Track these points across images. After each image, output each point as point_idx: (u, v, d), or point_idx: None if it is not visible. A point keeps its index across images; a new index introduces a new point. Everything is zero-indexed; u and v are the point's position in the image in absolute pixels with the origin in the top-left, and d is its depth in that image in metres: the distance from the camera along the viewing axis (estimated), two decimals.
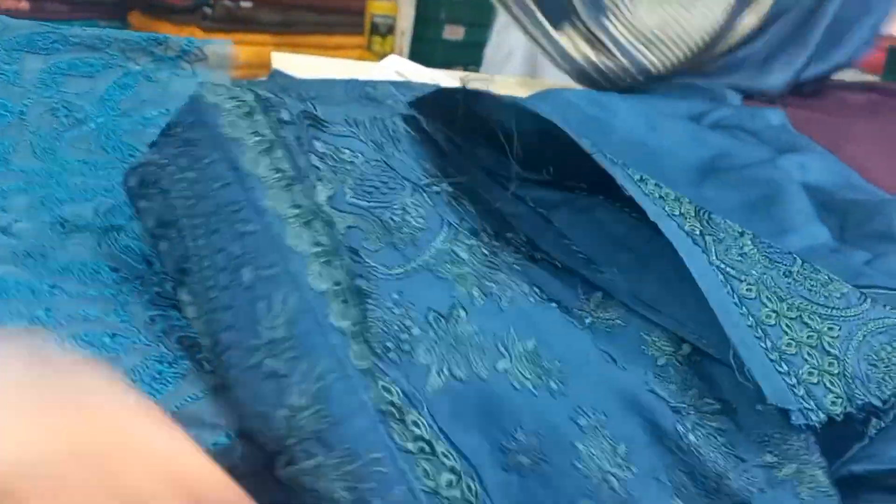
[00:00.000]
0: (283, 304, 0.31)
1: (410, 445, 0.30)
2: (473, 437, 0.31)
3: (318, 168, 0.38)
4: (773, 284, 0.36)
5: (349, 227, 0.37)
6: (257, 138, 0.34)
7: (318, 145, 0.40)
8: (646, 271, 0.40)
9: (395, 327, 0.34)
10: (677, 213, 0.39)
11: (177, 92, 0.52)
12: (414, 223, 0.39)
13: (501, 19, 1.49)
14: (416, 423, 0.31)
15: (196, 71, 0.54)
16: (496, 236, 0.44)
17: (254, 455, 0.31)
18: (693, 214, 0.39)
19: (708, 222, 0.39)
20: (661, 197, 0.40)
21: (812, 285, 0.38)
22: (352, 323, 0.32)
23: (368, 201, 0.39)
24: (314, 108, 0.41)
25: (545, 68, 1.36)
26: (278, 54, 1.08)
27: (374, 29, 1.73)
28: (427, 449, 0.30)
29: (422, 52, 1.74)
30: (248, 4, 1.51)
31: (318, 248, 0.33)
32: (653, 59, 0.79)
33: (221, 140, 0.33)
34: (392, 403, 0.31)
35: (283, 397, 0.30)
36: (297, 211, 0.33)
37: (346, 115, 0.45)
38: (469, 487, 0.30)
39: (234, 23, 1.50)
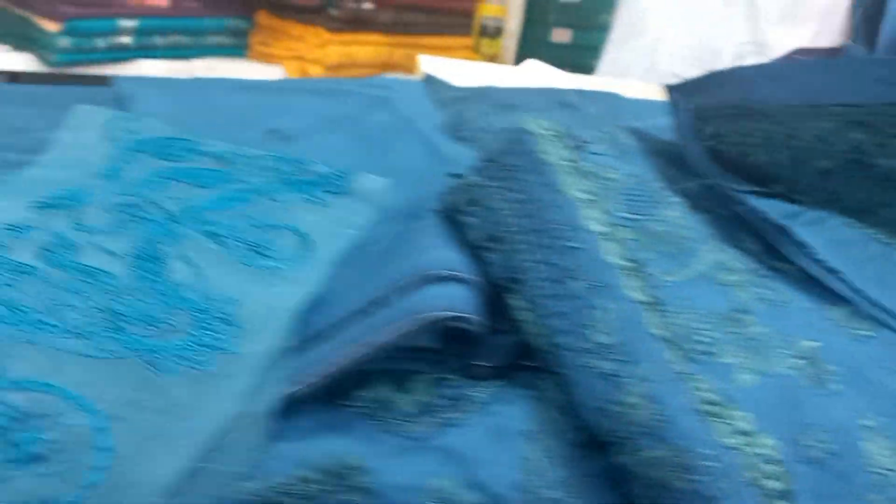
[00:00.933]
0: (608, 313, 0.35)
1: (732, 441, 0.34)
2: (778, 431, 0.35)
3: (592, 187, 0.42)
4: None
5: (629, 239, 0.41)
6: (566, 163, 0.39)
7: (588, 165, 0.44)
8: (890, 283, 0.43)
9: (692, 331, 0.37)
10: None
11: (287, 217, 0.44)
12: (681, 233, 0.43)
13: (617, 34, 1.51)
14: (736, 420, 0.35)
15: (328, 201, 0.46)
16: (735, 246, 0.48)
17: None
18: None
19: None
20: None
21: None
22: (663, 330, 0.36)
23: (638, 214, 0.43)
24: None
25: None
26: (426, 57, 1.13)
27: (483, 30, 1.76)
28: (748, 444, 0.34)
29: (528, 55, 1.77)
30: (369, 6, 1.56)
31: (625, 262, 0.37)
32: None
33: (541, 165, 0.37)
34: (711, 402, 0.35)
35: (616, 395, 0.34)
36: (603, 228, 0.38)
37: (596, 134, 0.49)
38: (784, 478, 0.34)
39: (356, 23, 1.55)
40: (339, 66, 1.58)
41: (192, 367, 0.33)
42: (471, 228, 0.39)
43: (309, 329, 0.36)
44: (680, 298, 0.39)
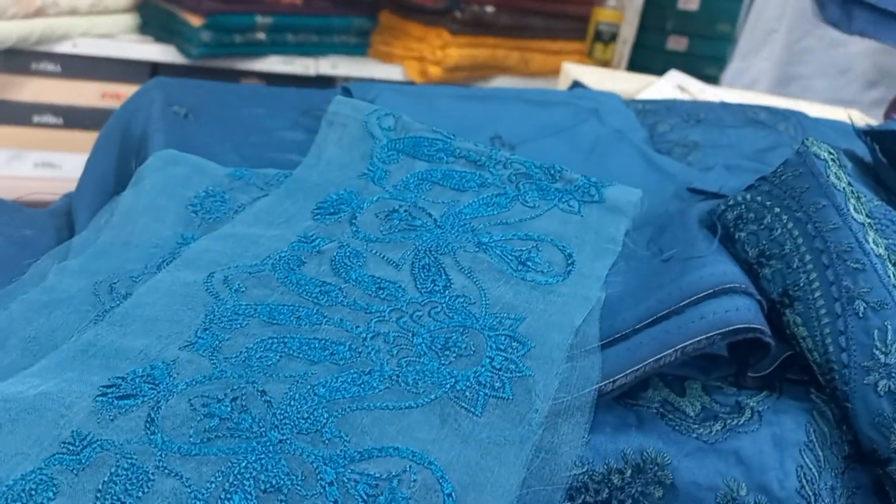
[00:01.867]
0: (895, 334, 0.37)
1: None
2: None
3: (864, 210, 0.43)
4: None
5: None
6: (849, 188, 0.40)
7: (856, 188, 0.45)
8: None
9: None
10: None
11: (545, 226, 0.46)
12: None
13: (744, 45, 1.50)
14: None
15: (582, 209, 0.48)
16: None
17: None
18: None
19: None
20: None
21: None
22: None
23: (888, 238, 0.44)
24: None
25: (800, 96, 1.37)
26: (570, 65, 1.14)
27: (598, 35, 1.77)
28: None
29: (641, 61, 1.77)
30: (491, 9, 1.59)
31: None
32: None
33: (831, 189, 0.39)
34: None
35: None
36: (883, 251, 0.39)
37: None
38: None
39: (478, 26, 1.58)
40: (456, 68, 1.61)
41: (492, 395, 0.35)
42: (740, 243, 0.41)
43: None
44: None
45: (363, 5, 1.62)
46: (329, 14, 1.56)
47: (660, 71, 1.45)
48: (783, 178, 0.41)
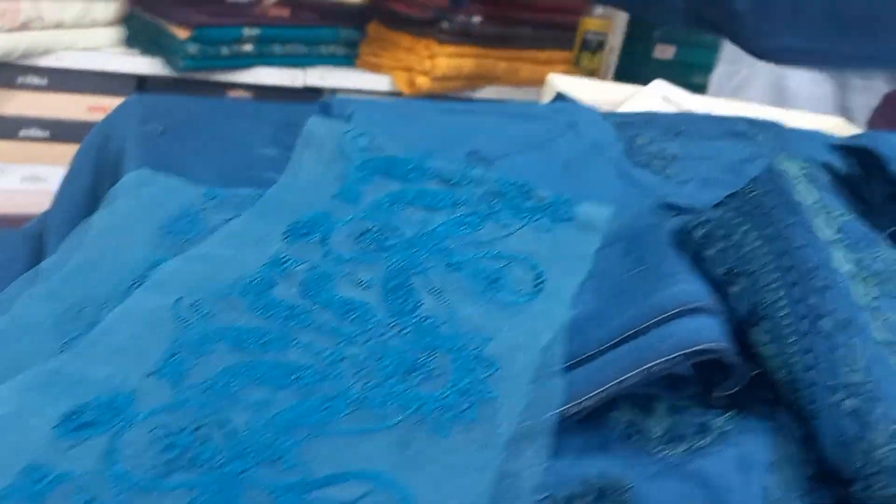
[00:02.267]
0: (858, 352, 0.37)
1: None
2: None
3: (835, 226, 0.43)
4: None
5: (867, 277, 0.42)
6: (816, 204, 0.40)
7: (826, 203, 0.45)
8: None
9: None
10: None
11: (517, 244, 0.46)
12: None
13: (731, 48, 1.50)
14: None
15: (553, 227, 0.48)
16: None
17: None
18: None
19: None
20: None
21: None
22: None
23: (861, 253, 0.44)
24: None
25: (788, 101, 1.37)
26: (556, 76, 1.15)
27: (585, 45, 1.78)
28: None
29: (629, 70, 1.78)
30: (478, 20, 1.59)
31: (875, 303, 0.39)
32: None
33: (796, 206, 0.39)
34: None
35: (864, 433, 0.36)
36: (854, 268, 0.39)
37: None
38: None
39: (465, 37, 1.59)
40: (445, 78, 1.61)
41: (457, 418, 0.35)
42: (709, 260, 0.41)
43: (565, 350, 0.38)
44: None
45: (351, 16, 1.62)
46: (317, 25, 1.56)
47: (647, 80, 1.45)
48: (752, 195, 0.41)
